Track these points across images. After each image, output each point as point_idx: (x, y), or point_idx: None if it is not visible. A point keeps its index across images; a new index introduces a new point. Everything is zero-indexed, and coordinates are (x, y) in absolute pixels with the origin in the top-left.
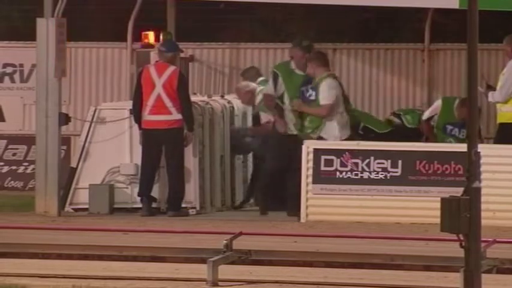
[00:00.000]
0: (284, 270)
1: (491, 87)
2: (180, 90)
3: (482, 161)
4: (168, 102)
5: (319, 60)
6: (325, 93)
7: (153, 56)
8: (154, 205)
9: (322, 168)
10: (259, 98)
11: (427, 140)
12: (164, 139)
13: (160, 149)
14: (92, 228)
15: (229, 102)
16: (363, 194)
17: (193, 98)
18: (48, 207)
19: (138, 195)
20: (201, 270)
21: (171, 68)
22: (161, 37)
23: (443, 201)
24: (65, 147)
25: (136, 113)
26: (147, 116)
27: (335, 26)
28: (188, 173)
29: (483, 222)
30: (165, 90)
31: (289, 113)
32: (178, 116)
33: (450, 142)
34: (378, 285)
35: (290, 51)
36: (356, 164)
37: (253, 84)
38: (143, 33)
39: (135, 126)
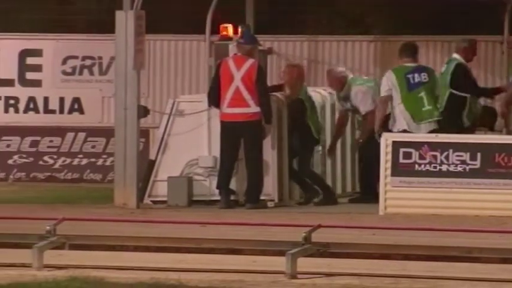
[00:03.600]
0: (362, 262)
1: None
2: (259, 83)
3: None
4: (246, 95)
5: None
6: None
7: (232, 48)
8: (232, 197)
9: (401, 160)
10: (356, 89)
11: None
12: (243, 132)
13: (239, 142)
14: (169, 221)
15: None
16: (441, 187)
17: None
18: (127, 200)
19: (217, 188)
20: (278, 262)
21: (250, 61)
22: (239, 30)
23: None
24: (143, 140)
25: (213, 100)
26: (225, 109)
27: (413, 18)
28: (267, 165)
29: None
30: (243, 83)
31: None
32: (257, 109)
33: None
34: (455, 277)
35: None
36: (435, 157)
37: (347, 71)
38: (221, 25)
39: (214, 119)
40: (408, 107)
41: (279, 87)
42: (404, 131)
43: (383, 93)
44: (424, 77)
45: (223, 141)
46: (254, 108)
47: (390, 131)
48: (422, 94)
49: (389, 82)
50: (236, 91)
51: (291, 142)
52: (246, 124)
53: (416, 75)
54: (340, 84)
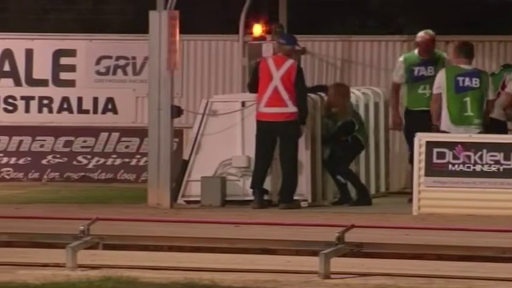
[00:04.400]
0: (395, 262)
1: None
2: (298, 84)
3: None
4: (285, 95)
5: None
6: None
7: (265, 48)
8: (265, 197)
9: (435, 160)
10: None
11: None
12: (279, 131)
13: (275, 141)
14: (203, 221)
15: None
16: (474, 187)
17: None
18: (161, 200)
19: (251, 188)
20: (312, 262)
21: (290, 61)
22: (273, 30)
23: None
24: (177, 140)
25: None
26: (262, 108)
27: (447, 18)
28: (300, 165)
29: None
30: (282, 83)
31: None
32: (294, 109)
33: None
34: (489, 278)
35: None
36: (468, 157)
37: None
38: (255, 25)
39: (247, 119)
40: (451, 109)
41: (318, 88)
42: (445, 131)
43: (435, 90)
44: (475, 82)
45: (259, 141)
46: (292, 108)
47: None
48: (468, 99)
49: (440, 81)
50: (275, 91)
51: (335, 150)
52: (283, 124)
53: (467, 79)
54: None
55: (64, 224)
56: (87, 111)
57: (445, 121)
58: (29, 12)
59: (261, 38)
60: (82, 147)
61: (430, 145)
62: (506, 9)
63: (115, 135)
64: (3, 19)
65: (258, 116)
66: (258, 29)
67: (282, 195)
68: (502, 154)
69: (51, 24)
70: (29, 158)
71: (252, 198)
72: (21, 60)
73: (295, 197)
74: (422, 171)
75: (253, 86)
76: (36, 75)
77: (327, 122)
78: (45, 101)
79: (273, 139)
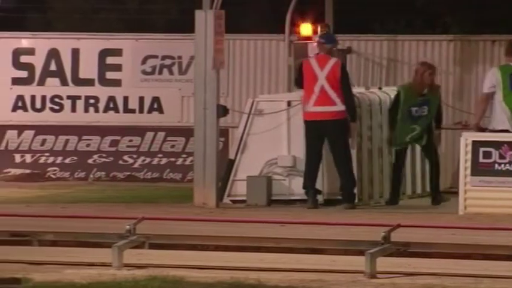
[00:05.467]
0: (442, 262)
1: None
2: (343, 82)
3: None
4: (332, 94)
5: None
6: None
7: (311, 48)
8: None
9: (481, 160)
10: None
11: None
12: (329, 130)
13: (323, 140)
14: (249, 220)
15: (387, 94)
16: None
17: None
18: (207, 199)
19: (304, 188)
20: (358, 262)
21: (333, 60)
22: (319, 29)
23: None
24: (223, 139)
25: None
26: (311, 108)
27: (494, 17)
28: None
29: None
30: (328, 82)
31: None
32: (342, 107)
33: None
34: None
35: None
36: None
37: None
38: (301, 25)
39: (293, 118)
40: (510, 105)
41: None
42: (502, 130)
43: (486, 90)
44: None
45: (309, 141)
46: (340, 107)
47: (486, 128)
48: None
49: (493, 79)
50: (322, 90)
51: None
52: (331, 122)
53: None
54: None
55: (110, 223)
56: (133, 111)
57: (504, 119)
58: (75, 12)
59: (307, 38)
60: (128, 146)
61: (476, 144)
62: None
63: (161, 135)
64: (49, 19)
65: (305, 115)
66: (304, 29)
67: (343, 195)
68: None
69: (97, 23)
70: (75, 158)
71: (297, 198)
72: (68, 59)
73: (339, 197)
74: (469, 171)
75: (300, 82)
76: (82, 74)
77: (409, 110)
78: (92, 101)
79: (323, 138)
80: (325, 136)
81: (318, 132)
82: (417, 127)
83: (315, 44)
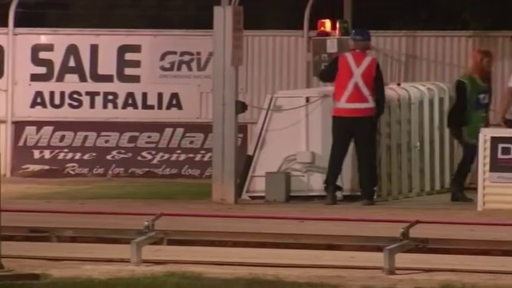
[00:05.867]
0: (460, 258)
1: None
2: (378, 80)
3: None
4: (365, 91)
5: None
6: None
7: (329, 44)
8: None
9: (500, 156)
10: None
11: None
12: (358, 127)
13: (351, 137)
14: (268, 216)
15: (406, 90)
16: None
17: None
18: (225, 195)
19: (325, 183)
20: (377, 258)
21: (369, 58)
22: (337, 25)
23: None
24: (241, 135)
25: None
26: (343, 104)
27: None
28: None
29: None
30: (363, 79)
31: None
32: (373, 104)
33: None
34: None
35: None
36: None
37: None
38: (320, 21)
39: (312, 114)
40: None
41: None
42: None
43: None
44: None
45: (337, 137)
46: (371, 104)
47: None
48: None
49: None
50: (355, 87)
51: None
52: (361, 119)
53: None
54: None
55: (129, 219)
56: (151, 107)
57: None
58: (93, 8)
59: (326, 34)
60: (147, 142)
61: (495, 141)
62: None
63: (179, 131)
64: (68, 15)
65: (336, 111)
66: (323, 25)
67: (363, 191)
68: None
69: (116, 20)
70: (94, 154)
71: (316, 194)
72: (86, 56)
73: (359, 193)
74: (487, 167)
75: (328, 75)
76: (101, 70)
77: (477, 98)
78: (110, 97)
79: (350, 135)
80: (354, 132)
81: (347, 128)
82: (485, 114)
83: (334, 39)
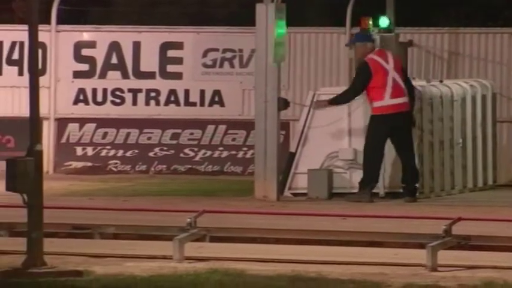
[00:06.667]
0: (503, 255)
1: None
2: (405, 73)
3: None
4: (402, 84)
5: None
6: None
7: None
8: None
9: None
10: None
11: None
12: (401, 122)
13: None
14: (310, 213)
15: (448, 87)
16: None
17: (412, 83)
18: (267, 192)
19: (369, 181)
20: (419, 255)
21: (390, 53)
22: (363, 23)
23: None
24: (283, 132)
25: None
26: (388, 101)
27: None
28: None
29: None
30: (397, 73)
31: None
32: (408, 98)
33: None
34: None
35: None
36: None
37: None
38: (362, 18)
39: (354, 111)
40: None
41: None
42: None
43: None
44: None
45: (381, 135)
46: (407, 97)
47: None
48: None
49: None
50: (394, 82)
51: None
52: (406, 114)
53: None
54: None
55: (171, 216)
56: (194, 104)
57: None
58: (136, 5)
59: (368, 31)
60: (189, 139)
61: None
62: None
63: (222, 128)
64: (111, 12)
65: (381, 109)
66: (365, 22)
67: (407, 188)
68: None
69: (159, 17)
70: (136, 151)
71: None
72: (129, 53)
73: (400, 190)
74: None
75: (364, 84)
76: (143, 67)
77: None
78: (153, 94)
79: (392, 131)
80: (397, 128)
81: (391, 125)
82: None
83: (377, 36)
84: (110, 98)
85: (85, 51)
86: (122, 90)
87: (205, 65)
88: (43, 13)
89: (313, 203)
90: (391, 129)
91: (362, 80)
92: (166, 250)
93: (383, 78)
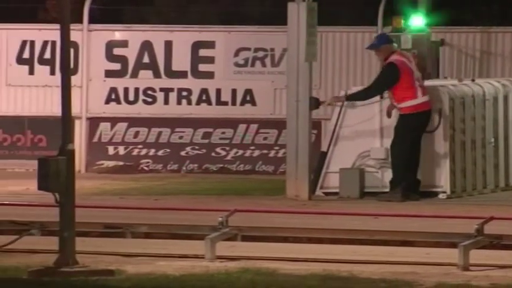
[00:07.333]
0: None
1: None
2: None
3: None
4: (423, 83)
5: None
6: None
7: (403, 40)
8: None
9: None
10: None
11: None
12: (428, 119)
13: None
14: (342, 212)
15: (480, 86)
16: None
17: (444, 82)
18: (299, 191)
19: (402, 180)
20: (451, 254)
21: (407, 53)
22: (394, 23)
23: None
24: (315, 131)
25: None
26: (421, 99)
27: None
28: (438, 157)
29: None
30: (420, 72)
31: None
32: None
33: None
34: None
35: None
36: None
37: None
38: (394, 17)
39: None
40: None
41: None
42: None
43: None
44: None
45: (413, 133)
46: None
47: None
48: None
49: None
50: (419, 81)
51: None
52: (430, 112)
53: None
54: None
55: (203, 215)
56: (225, 103)
57: None
58: (169, 5)
59: (400, 30)
60: (220, 138)
61: None
62: None
63: (253, 127)
64: (143, 12)
65: (415, 108)
66: (397, 21)
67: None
68: None
69: (190, 16)
70: (168, 150)
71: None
72: (161, 52)
73: (433, 189)
74: None
75: (391, 83)
76: (175, 67)
77: None
78: (184, 93)
79: (419, 128)
80: (422, 126)
81: (421, 122)
82: None
83: (409, 35)
84: (141, 97)
85: (117, 51)
86: (153, 90)
87: (237, 64)
88: (76, 12)
89: (344, 202)
90: (420, 126)
91: (389, 81)
92: (198, 249)
93: (411, 77)
